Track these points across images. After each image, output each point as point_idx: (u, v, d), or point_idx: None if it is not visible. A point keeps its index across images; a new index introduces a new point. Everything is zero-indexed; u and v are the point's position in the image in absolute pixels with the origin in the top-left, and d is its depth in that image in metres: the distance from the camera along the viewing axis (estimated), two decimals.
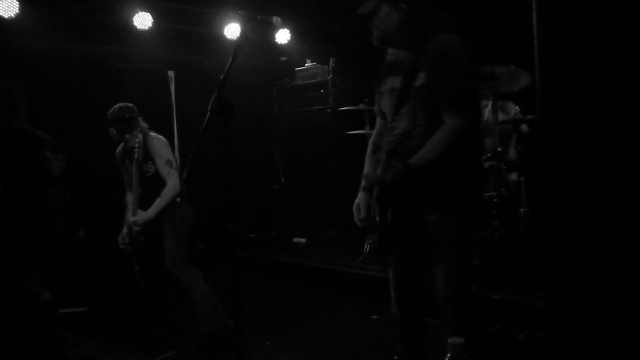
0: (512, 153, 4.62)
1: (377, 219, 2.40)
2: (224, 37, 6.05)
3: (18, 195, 1.21)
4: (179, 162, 4.38)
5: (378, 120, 2.74)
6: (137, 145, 3.72)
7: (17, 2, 4.68)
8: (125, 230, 3.87)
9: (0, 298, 1.03)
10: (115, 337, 4.14)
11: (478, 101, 2.28)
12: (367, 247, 5.29)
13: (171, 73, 6.49)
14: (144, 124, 3.93)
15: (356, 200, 2.70)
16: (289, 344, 3.93)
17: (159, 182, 3.79)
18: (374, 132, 2.77)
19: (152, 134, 3.90)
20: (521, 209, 4.17)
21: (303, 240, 6.55)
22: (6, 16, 4.66)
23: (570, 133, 1.27)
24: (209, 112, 2.22)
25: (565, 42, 1.28)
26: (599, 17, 1.24)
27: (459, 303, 2.42)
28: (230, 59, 2.24)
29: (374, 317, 4.31)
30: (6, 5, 4.64)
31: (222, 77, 2.24)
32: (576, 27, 1.27)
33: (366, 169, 2.73)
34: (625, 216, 1.25)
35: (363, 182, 2.69)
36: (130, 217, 3.79)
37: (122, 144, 4.00)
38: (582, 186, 1.28)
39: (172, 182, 3.76)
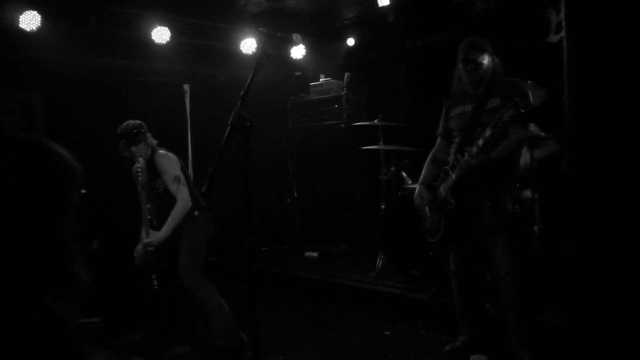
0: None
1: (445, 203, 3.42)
2: (239, 52, 6.14)
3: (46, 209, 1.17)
4: (192, 176, 4.40)
5: (439, 140, 3.75)
6: (139, 170, 3.74)
7: (39, 16, 4.77)
8: (140, 246, 3.89)
9: (25, 325, 0.96)
10: (128, 349, 4.15)
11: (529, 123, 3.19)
12: (379, 263, 5.27)
13: (186, 87, 6.54)
14: (152, 141, 3.92)
15: (417, 191, 3.71)
16: (301, 359, 3.92)
17: (170, 198, 3.79)
18: (435, 148, 3.79)
19: (161, 151, 3.90)
20: (535, 227, 4.12)
21: (315, 254, 6.54)
22: (28, 29, 4.76)
23: (600, 147, 1.28)
24: (229, 127, 2.22)
25: (595, 55, 1.29)
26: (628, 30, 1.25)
27: (516, 278, 3.18)
28: (251, 76, 2.26)
29: (387, 332, 4.29)
30: (28, 18, 4.75)
31: (242, 93, 2.25)
32: (607, 40, 1.28)
33: (424, 172, 3.75)
34: None
35: (420, 179, 3.76)
36: (144, 237, 3.82)
37: None
38: (610, 201, 1.29)
39: (182, 198, 3.75)
